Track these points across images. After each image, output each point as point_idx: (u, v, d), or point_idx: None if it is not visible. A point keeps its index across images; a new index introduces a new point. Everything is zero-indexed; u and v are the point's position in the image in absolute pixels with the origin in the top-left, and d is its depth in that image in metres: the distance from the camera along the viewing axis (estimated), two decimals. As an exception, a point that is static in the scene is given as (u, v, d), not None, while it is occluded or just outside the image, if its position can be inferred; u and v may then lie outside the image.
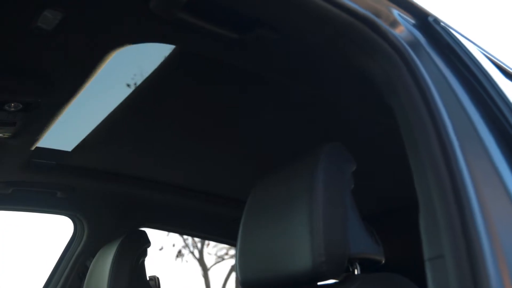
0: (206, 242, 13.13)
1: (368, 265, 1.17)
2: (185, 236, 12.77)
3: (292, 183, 1.15)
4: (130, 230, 2.20)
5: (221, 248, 13.29)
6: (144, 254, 2.00)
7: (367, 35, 1.01)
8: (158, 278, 2.09)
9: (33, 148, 1.75)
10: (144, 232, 2.07)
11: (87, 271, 2.24)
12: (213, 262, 13.92)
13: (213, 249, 15.62)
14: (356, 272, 1.13)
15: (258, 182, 1.28)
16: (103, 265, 1.95)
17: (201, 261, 13.02)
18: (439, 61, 1.01)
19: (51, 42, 1.15)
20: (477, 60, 1.02)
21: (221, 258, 13.40)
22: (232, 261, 13.34)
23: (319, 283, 1.09)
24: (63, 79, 1.31)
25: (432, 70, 0.96)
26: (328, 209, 1.06)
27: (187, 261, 13.39)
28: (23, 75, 1.27)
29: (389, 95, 0.97)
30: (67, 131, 1.81)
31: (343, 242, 1.05)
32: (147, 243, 2.03)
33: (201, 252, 13.09)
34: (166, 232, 11.55)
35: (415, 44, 1.02)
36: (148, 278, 2.03)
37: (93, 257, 2.21)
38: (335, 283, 1.11)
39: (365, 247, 1.10)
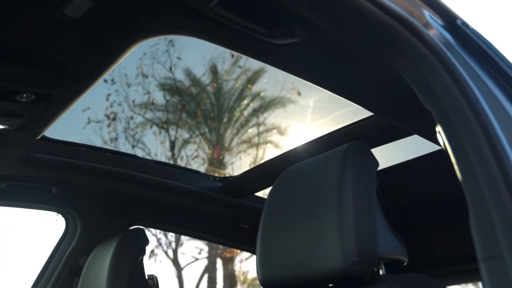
0: (180, 241, 13.02)
1: (390, 265, 1.17)
2: (158, 236, 12.64)
3: (319, 181, 1.14)
4: (129, 228, 2.15)
5: (195, 247, 13.21)
6: (143, 252, 1.96)
7: (402, 35, 1.01)
8: (156, 277, 2.06)
9: (34, 141, 1.69)
10: (142, 230, 2.03)
11: (79, 269, 2.18)
12: (187, 262, 13.84)
13: (187, 248, 15.53)
14: (381, 272, 1.13)
15: (279, 178, 1.27)
16: (101, 263, 1.90)
17: (175, 261, 12.90)
18: (473, 64, 1.02)
19: (74, 31, 1.11)
20: (512, 65, 1.03)
21: (194, 258, 13.31)
22: (205, 261, 13.26)
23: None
24: (79, 70, 1.27)
25: (470, 71, 0.96)
26: (358, 209, 1.05)
27: (160, 261, 13.23)
28: (39, 64, 1.22)
29: (427, 97, 0.96)
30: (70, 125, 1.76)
31: (373, 242, 1.05)
32: (145, 241, 1.99)
33: (175, 251, 12.97)
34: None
35: (448, 46, 1.03)
36: (146, 277, 1.99)
37: (86, 255, 2.16)
38: (360, 282, 1.10)
39: (393, 247, 1.10)
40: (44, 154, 1.89)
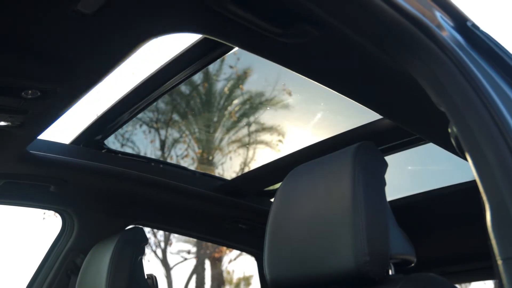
0: (169, 241, 12.95)
1: (397, 265, 1.18)
2: (148, 235, 12.54)
3: (329, 180, 1.13)
4: (126, 228, 2.13)
5: (184, 248, 13.16)
6: (143, 251, 1.95)
7: (415, 35, 1.01)
8: (155, 277, 2.04)
9: (34, 139, 1.67)
10: (141, 229, 2.01)
11: (76, 268, 2.16)
12: (176, 261, 13.77)
13: (176, 248, 15.44)
14: (390, 273, 1.13)
15: (287, 177, 1.26)
16: (100, 262, 1.88)
17: (164, 261, 12.83)
18: (484, 65, 1.02)
19: (85, 27, 1.09)
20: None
21: (183, 257, 13.26)
22: (194, 261, 13.20)
23: None
24: (86, 67, 1.26)
25: (483, 72, 0.97)
26: (370, 208, 1.05)
27: (149, 261, 13.15)
28: (47, 60, 1.20)
29: (441, 98, 0.96)
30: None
31: (385, 242, 1.05)
32: (145, 240, 1.98)
33: (164, 251, 12.90)
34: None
35: (461, 47, 1.03)
36: (145, 277, 1.98)
37: (83, 254, 2.14)
38: (370, 282, 1.10)
39: (403, 247, 1.10)
40: (43, 152, 1.87)
